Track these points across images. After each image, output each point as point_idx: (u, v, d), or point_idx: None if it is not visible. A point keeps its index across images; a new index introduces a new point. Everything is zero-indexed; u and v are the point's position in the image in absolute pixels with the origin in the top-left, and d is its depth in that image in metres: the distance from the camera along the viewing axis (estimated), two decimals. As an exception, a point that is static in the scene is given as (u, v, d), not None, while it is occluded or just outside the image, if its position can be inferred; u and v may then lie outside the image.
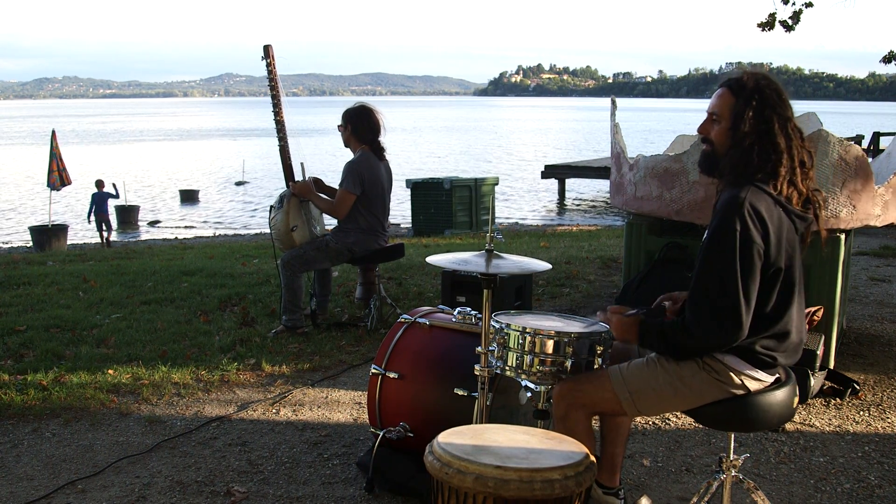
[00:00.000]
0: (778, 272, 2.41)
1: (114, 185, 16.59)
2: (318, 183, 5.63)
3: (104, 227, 16.18)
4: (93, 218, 16.21)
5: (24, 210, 21.99)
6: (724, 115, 2.50)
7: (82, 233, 17.87)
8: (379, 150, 5.57)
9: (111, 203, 16.70)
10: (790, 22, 11.05)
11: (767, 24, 11.15)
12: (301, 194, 5.47)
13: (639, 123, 74.77)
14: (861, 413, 4.12)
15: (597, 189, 25.28)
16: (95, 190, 16.35)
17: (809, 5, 10.97)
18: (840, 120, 71.10)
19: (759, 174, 2.44)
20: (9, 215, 21.13)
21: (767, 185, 2.43)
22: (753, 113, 2.45)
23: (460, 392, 3.10)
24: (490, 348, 2.80)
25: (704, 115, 2.59)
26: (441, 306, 3.64)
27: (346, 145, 5.65)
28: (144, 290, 6.94)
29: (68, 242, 15.15)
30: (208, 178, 30.06)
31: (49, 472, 3.44)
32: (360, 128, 5.53)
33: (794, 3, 11.04)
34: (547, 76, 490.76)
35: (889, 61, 13.13)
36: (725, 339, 2.40)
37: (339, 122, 5.61)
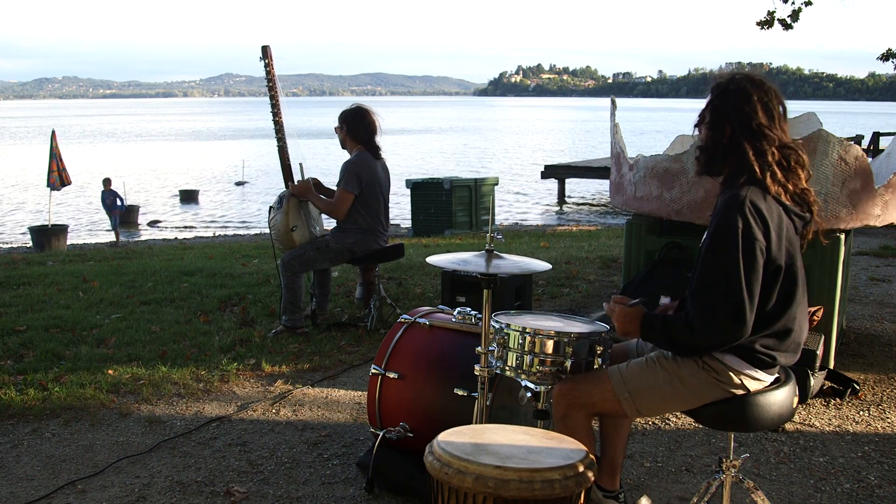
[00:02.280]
0: (779, 270, 2.42)
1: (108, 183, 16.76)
2: (316, 184, 5.63)
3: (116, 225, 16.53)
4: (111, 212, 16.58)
5: (23, 210, 21.98)
6: (704, 120, 2.59)
7: (82, 233, 17.88)
8: (374, 150, 5.57)
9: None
10: (789, 20, 11.07)
11: (767, 23, 11.17)
12: (300, 195, 5.47)
13: (639, 123, 74.78)
14: (861, 413, 4.12)
15: (597, 189, 25.28)
16: (103, 188, 16.65)
17: (809, 3, 10.99)
18: (840, 120, 71.10)
19: (745, 176, 2.44)
20: (9, 215, 21.12)
21: (758, 184, 2.44)
22: (713, 114, 2.53)
23: (460, 392, 3.10)
24: (490, 348, 2.80)
25: None
26: (441, 306, 3.64)
27: (343, 146, 5.66)
28: (144, 290, 6.94)
29: (68, 242, 15.16)
30: (208, 179, 30.06)
31: (49, 472, 3.44)
32: (356, 128, 5.54)
33: (793, 2, 11.06)
34: (547, 76, 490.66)
35: (887, 59, 13.15)
36: (729, 337, 2.39)
37: (336, 125, 5.62)
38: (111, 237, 16.56)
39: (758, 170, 2.44)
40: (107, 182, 16.79)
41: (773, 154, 2.47)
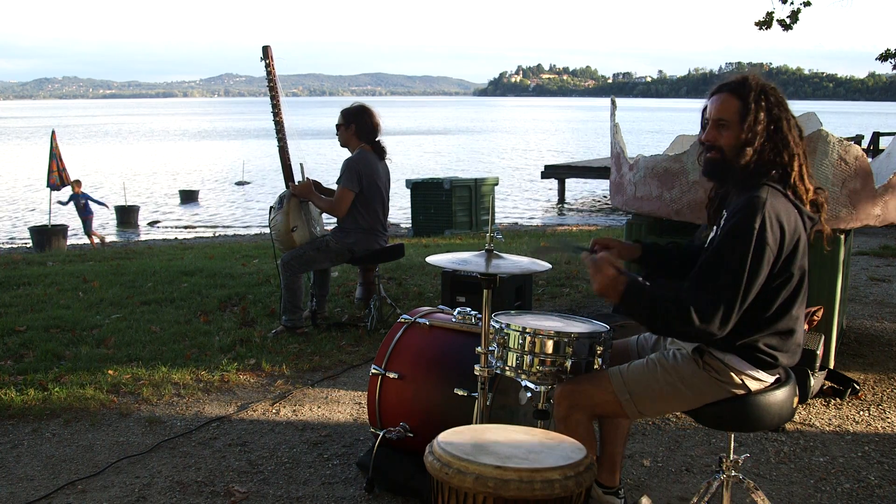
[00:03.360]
0: (794, 273, 2.42)
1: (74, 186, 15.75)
2: (316, 185, 5.63)
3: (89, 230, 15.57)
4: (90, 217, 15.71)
5: (23, 210, 21.98)
6: (732, 120, 2.47)
7: (82, 233, 17.85)
8: (380, 150, 5.58)
9: (92, 205, 15.85)
10: (788, 21, 11.08)
11: (765, 24, 11.18)
12: (301, 195, 5.47)
13: (639, 123, 74.77)
14: (861, 413, 4.12)
15: (597, 189, 25.28)
16: (71, 191, 15.45)
17: (807, 4, 11.00)
18: (840, 120, 71.07)
19: (773, 173, 2.44)
20: (9, 215, 21.11)
21: (780, 185, 2.44)
22: (765, 113, 2.45)
23: (460, 392, 3.10)
24: (490, 348, 2.80)
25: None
26: (441, 306, 3.64)
27: (345, 145, 5.65)
28: (144, 291, 6.94)
29: (68, 243, 15.12)
30: (208, 178, 30.04)
31: (49, 472, 3.44)
32: (362, 126, 5.54)
33: (791, 3, 11.07)
34: (547, 76, 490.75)
35: (885, 59, 13.17)
36: (711, 328, 2.33)
37: (339, 122, 5.60)
38: (110, 237, 16.42)
39: (797, 162, 2.44)
40: (76, 184, 15.48)
41: (803, 147, 2.49)
